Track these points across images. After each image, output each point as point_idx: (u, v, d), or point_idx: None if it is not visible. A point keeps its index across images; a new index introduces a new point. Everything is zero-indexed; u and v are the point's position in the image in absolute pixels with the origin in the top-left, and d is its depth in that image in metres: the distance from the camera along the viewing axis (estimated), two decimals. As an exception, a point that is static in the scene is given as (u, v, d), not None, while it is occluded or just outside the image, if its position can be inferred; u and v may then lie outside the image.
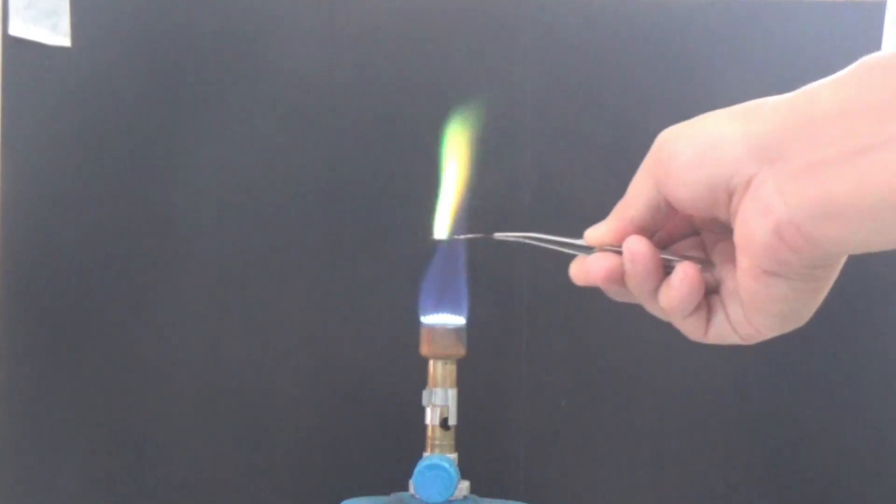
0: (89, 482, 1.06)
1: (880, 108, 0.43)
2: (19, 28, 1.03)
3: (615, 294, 0.56)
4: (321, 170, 1.06)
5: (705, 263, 0.54)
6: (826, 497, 1.07)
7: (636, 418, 1.07)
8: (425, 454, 0.70)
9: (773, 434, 1.07)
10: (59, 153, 1.06)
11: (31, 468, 1.06)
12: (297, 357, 1.06)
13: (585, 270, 0.55)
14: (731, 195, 0.49)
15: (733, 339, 0.53)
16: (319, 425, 1.07)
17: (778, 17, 1.05)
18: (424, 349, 0.70)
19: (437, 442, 0.70)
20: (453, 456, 0.70)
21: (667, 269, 0.53)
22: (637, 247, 0.53)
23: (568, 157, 1.05)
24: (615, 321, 1.04)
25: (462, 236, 0.66)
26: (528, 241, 0.58)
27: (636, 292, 0.54)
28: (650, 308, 0.55)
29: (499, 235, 0.61)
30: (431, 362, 0.70)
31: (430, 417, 0.70)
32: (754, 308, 0.50)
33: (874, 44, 1.04)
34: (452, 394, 0.70)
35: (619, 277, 0.54)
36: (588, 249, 0.55)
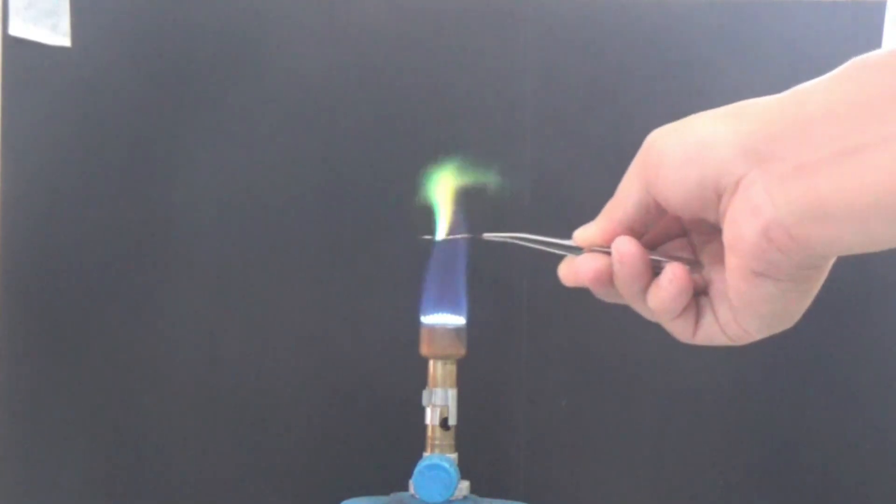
0: (89, 482, 1.06)
1: (870, 109, 0.43)
2: (19, 28, 1.03)
3: (604, 295, 0.56)
4: (321, 170, 1.06)
5: (694, 264, 0.54)
6: (826, 497, 1.07)
7: (636, 418, 1.07)
8: (425, 454, 0.70)
9: (773, 434, 1.07)
10: (59, 153, 1.06)
11: (31, 468, 1.06)
12: (296, 357, 1.06)
13: (574, 271, 0.55)
14: (720, 196, 0.49)
15: (722, 341, 0.53)
16: (319, 425, 1.07)
17: (778, 17, 1.05)
18: (424, 349, 0.70)
19: (437, 442, 0.70)
20: (453, 456, 0.70)
21: (655, 270, 0.53)
22: (626, 247, 0.53)
23: (568, 157, 1.05)
24: (615, 321, 1.04)
25: (451, 236, 0.66)
26: (516, 241, 0.58)
27: (625, 293, 0.54)
28: (638, 309, 0.55)
29: (487, 236, 0.60)
30: (431, 362, 0.70)
31: (430, 417, 0.70)
32: (743, 309, 0.50)
33: (874, 44, 1.04)
34: (452, 394, 0.70)
35: (608, 278, 0.54)
36: (577, 250, 0.55)
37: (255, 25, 1.06)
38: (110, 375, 1.06)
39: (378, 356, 1.05)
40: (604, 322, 1.04)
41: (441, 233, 0.66)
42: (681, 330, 0.54)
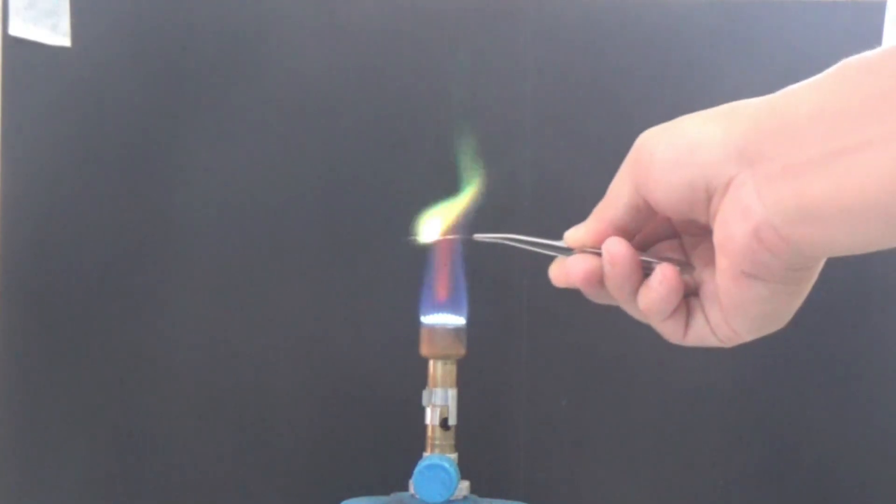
0: (89, 482, 1.06)
1: (859, 111, 0.43)
2: (19, 28, 1.03)
3: (594, 296, 0.55)
4: (321, 170, 1.06)
5: (684, 265, 0.54)
6: (826, 497, 1.07)
7: (636, 418, 1.07)
8: (425, 454, 0.70)
9: (773, 434, 1.07)
10: (59, 153, 1.06)
11: (31, 468, 1.06)
12: (297, 357, 1.06)
13: (565, 272, 0.55)
14: (710, 197, 0.49)
15: (712, 342, 0.53)
16: (319, 425, 1.07)
17: (778, 17, 1.05)
18: (424, 349, 0.70)
19: (437, 442, 0.70)
20: (453, 456, 0.70)
21: (646, 271, 0.53)
22: (616, 248, 0.53)
23: (568, 157, 1.05)
24: (615, 321, 1.03)
25: (443, 237, 0.65)
26: (507, 242, 0.58)
27: (615, 294, 0.54)
28: (629, 310, 0.55)
29: (478, 237, 0.60)
30: (431, 362, 0.70)
31: (430, 417, 0.70)
32: (733, 310, 0.50)
33: (874, 44, 1.04)
34: (452, 394, 0.70)
35: (599, 279, 0.54)
36: (567, 251, 0.55)
37: (255, 25, 1.06)
38: (110, 375, 1.06)
39: (378, 356, 1.05)
40: (604, 322, 1.04)
41: (433, 234, 0.66)
42: (671, 331, 0.54)
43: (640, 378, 1.06)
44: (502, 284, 1.05)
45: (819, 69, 0.46)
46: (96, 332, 1.06)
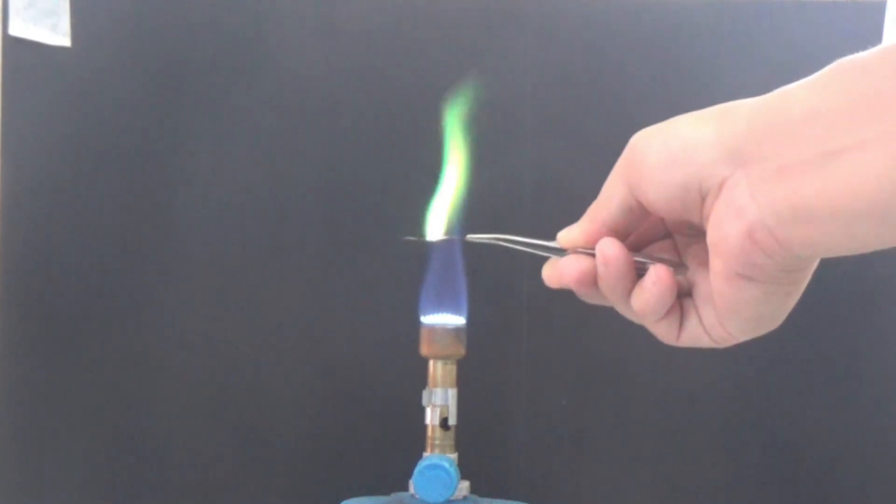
0: (89, 482, 1.06)
1: (852, 111, 0.43)
2: (19, 28, 1.03)
3: (588, 296, 0.55)
4: (321, 170, 1.06)
5: (678, 266, 0.54)
6: (826, 497, 1.07)
7: (636, 418, 1.07)
8: (425, 454, 0.70)
9: (773, 434, 1.07)
10: (59, 153, 1.06)
11: (31, 468, 1.06)
12: (297, 357, 1.06)
13: (558, 272, 0.55)
14: (703, 197, 0.48)
15: (706, 342, 0.53)
16: (319, 425, 1.07)
17: (778, 17, 1.05)
18: (424, 349, 0.70)
19: (437, 442, 0.70)
20: (453, 456, 0.70)
21: (639, 272, 0.53)
22: (610, 249, 0.52)
23: (568, 157, 1.05)
24: (615, 321, 1.03)
25: (437, 238, 0.65)
26: (500, 243, 0.58)
27: (609, 295, 0.54)
28: (623, 311, 0.55)
29: (471, 237, 0.60)
30: (431, 362, 0.70)
31: (430, 417, 0.70)
32: (727, 311, 0.50)
33: (874, 44, 1.04)
34: (452, 394, 0.70)
35: (592, 280, 0.54)
36: (561, 252, 0.55)
37: (255, 26, 1.06)
38: (110, 375, 1.06)
39: (378, 356, 1.05)
40: (604, 322, 1.03)
41: (428, 234, 0.65)
42: (665, 332, 0.54)
43: (639, 378, 1.06)
44: (502, 284, 1.05)
45: (819, 69, 0.46)
46: (96, 332, 1.06)
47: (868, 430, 1.07)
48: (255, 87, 1.06)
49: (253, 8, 1.06)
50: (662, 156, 0.49)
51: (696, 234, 0.52)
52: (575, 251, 0.54)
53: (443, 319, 0.69)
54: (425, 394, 0.70)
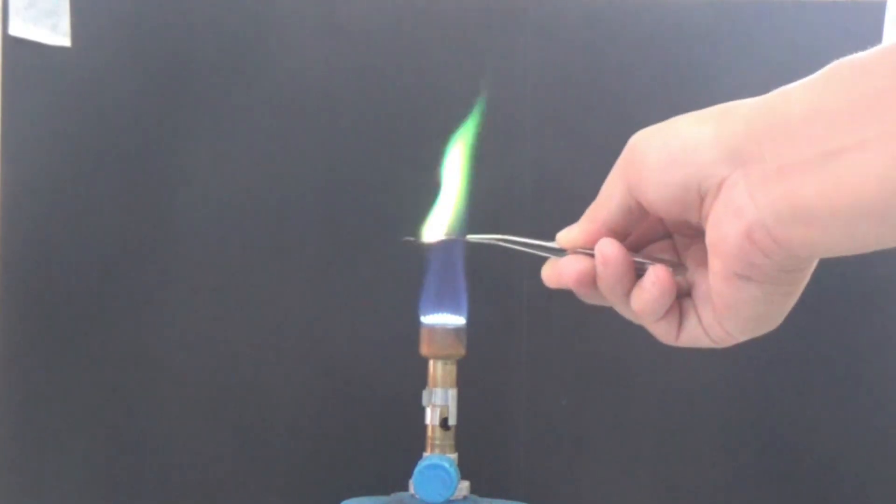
0: (89, 482, 1.06)
1: (851, 111, 0.43)
2: (19, 28, 1.03)
3: (587, 296, 0.55)
4: (321, 170, 1.06)
5: (677, 266, 0.54)
6: (826, 497, 1.07)
7: (636, 418, 1.07)
8: (425, 454, 0.70)
9: (773, 434, 1.07)
10: (59, 153, 1.06)
11: (31, 468, 1.06)
12: (297, 357, 1.06)
13: (557, 273, 0.55)
14: (703, 198, 0.48)
15: (705, 343, 0.53)
16: (319, 425, 1.07)
17: (777, 17, 1.05)
18: (424, 349, 0.70)
19: (437, 442, 0.70)
20: (453, 456, 0.70)
21: (639, 272, 0.53)
22: (609, 249, 0.52)
23: (568, 157, 1.05)
24: (615, 321, 1.03)
25: (436, 239, 0.65)
26: (500, 243, 0.57)
27: (608, 295, 0.54)
28: (622, 311, 0.55)
29: (471, 238, 0.60)
30: (431, 362, 0.70)
31: (430, 417, 0.70)
32: (726, 311, 0.50)
33: (874, 44, 1.04)
34: (452, 394, 0.70)
35: (591, 280, 0.54)
36: (560, 252, 0.55)
37: (255, 25, 1.06)
38: (110, 375, 1.06)
39: (378, 356, 1.05)
40: (604, 322, 1.03)
41: (427, 235, 0.65)
42: (664, 332, 0.54)
43: (639, 378, 1.06)
44: (502, 284, 1.05)
45: (819, 69, 0.46)
46: (96, 332, 1.06)
47: (868, 430, 1.07)
48: (255, 87, 1.06)
49: (253, 8, 1.06)
50: (662, 156, 0.49)
51: (696, 234, 0.52)
52: (574, 251, 0.54)
53: (443, 319, 0.69)
54: (425, 394, 0.70)
